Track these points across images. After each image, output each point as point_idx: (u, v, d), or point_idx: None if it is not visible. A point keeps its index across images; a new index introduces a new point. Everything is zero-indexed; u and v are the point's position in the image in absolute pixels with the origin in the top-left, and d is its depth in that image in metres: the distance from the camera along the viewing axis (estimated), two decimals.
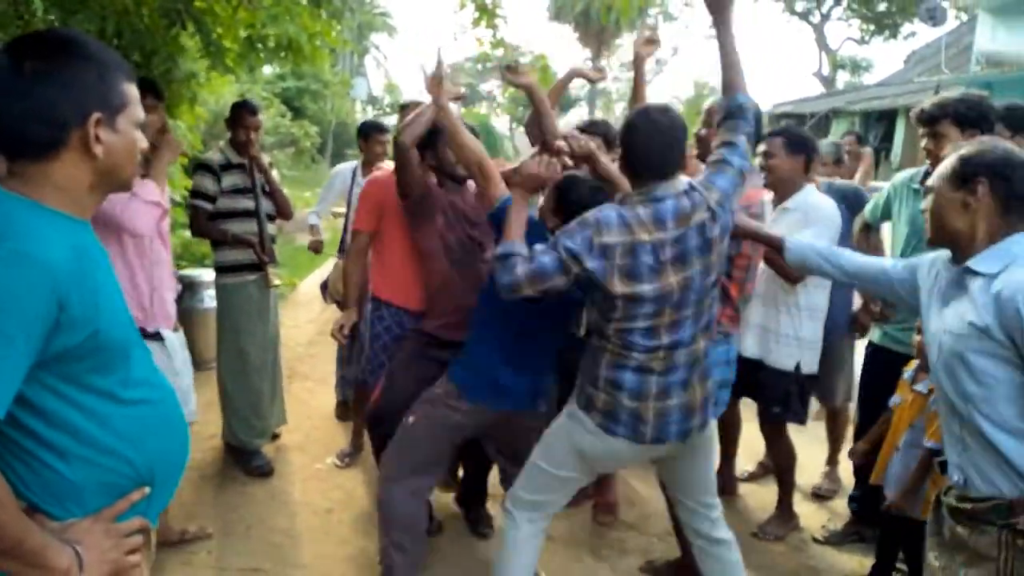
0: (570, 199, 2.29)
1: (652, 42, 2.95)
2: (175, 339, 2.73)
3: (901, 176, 3.00)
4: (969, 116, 2.57)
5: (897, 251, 2.91)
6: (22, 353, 1.05)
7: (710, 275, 2.05)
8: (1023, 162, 1.64)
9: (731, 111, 2.16)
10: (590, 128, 3.04)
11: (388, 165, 4.27)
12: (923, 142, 2.68)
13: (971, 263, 1.65)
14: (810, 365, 3.05)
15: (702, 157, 2.50)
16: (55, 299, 1.08)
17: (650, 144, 2.00)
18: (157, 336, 2.64)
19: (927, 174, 2.80)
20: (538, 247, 2.03)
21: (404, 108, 3.90)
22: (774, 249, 2.25)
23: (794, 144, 2.99)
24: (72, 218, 1.19)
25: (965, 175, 1.67)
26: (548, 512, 2.32)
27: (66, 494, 1.18)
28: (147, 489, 1.26)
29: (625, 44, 32.95)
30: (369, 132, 4.29)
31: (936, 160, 2.68)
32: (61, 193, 1.18)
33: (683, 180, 2.06)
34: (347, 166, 4.51)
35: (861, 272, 2.07)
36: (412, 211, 2.83)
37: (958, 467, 1.67)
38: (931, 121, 2.63)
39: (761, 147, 2.99)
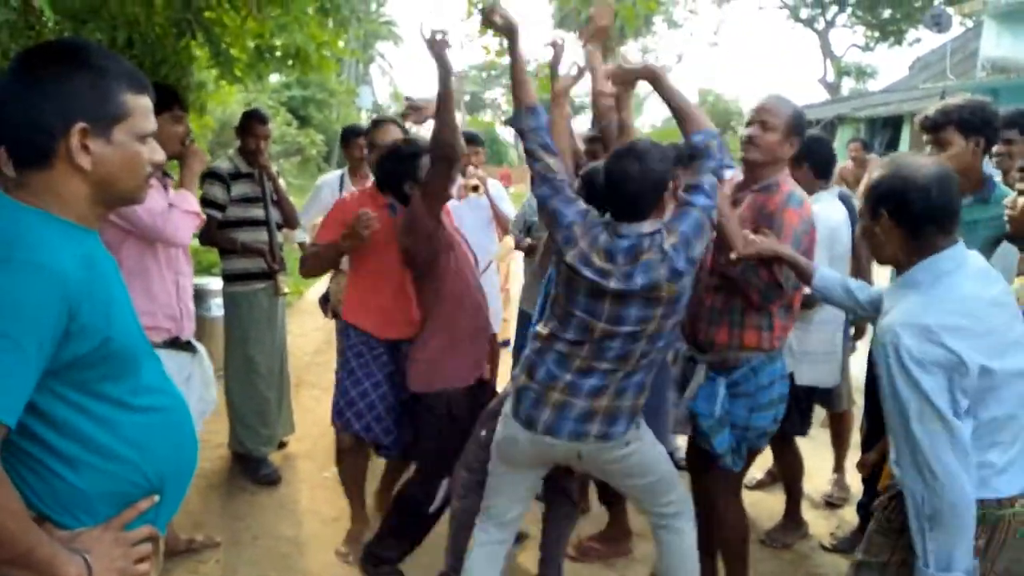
0: (596, 190, 2.33)
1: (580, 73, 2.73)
2: (203, 350, 2.74)
3: None
4: (972, 122, 2.55)
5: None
6: (33, 362, 1.06)
7: (654, 308, 2.07)
8: (922, 184, 1.62)
9: (691, 153, 2.23)
10: (595, 140, 3.03)
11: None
12: (927, 149, 2.68)
13: (884, 294, 1.73)
14: (829, 379, 3.02)
15: (756, 161, 2.45)
16: (65, 308, 1.08)
17: (624, 189, 2.10)
18: (190, 346, 2.64)
19: None
20: (556, 178, 2.19)
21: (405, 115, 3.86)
22: (803, 279, 2.26)
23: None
24: (80, 227, 1.19)
25: (871, 206, 1.70)
26: (501, 520, 2.35)
27: (75, 503, 1.18)
28: (156, 497, 1.26)
29: (630, 52, 33.10)
30: (347, 136, 4.17)
31: None
32: (63, 203, 1.17)
33: (652, 223, 2.11)
34: (333, 175, 4.35)
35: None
36: (425, 268, 2.64)
37: None
38: (935, 128, 2.61)
39: None
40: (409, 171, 2.66)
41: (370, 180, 3.62)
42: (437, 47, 2.44)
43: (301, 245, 4.57)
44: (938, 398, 1.52)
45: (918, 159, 1.74)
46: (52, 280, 1.07)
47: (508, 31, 2.42)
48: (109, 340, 1.16)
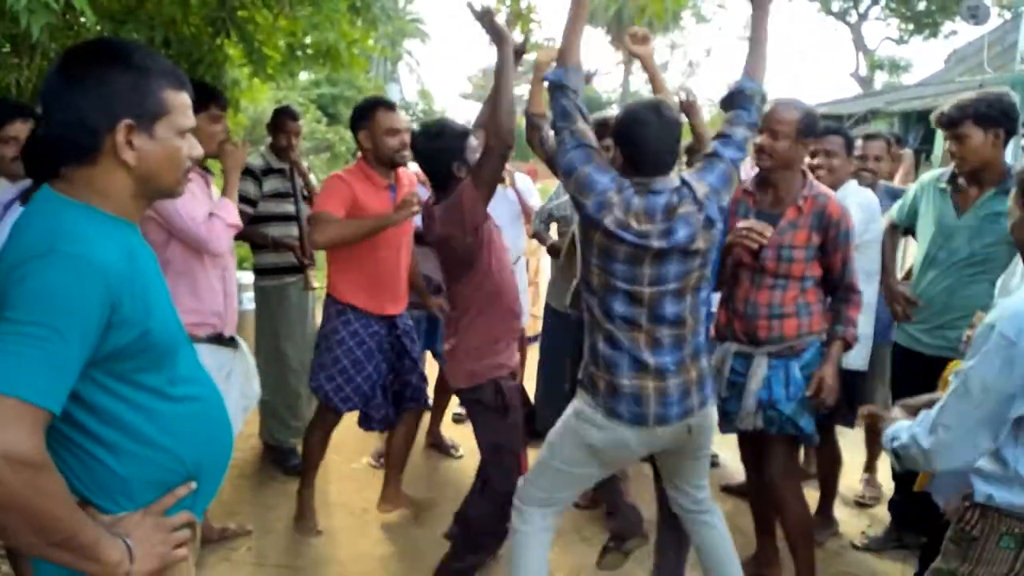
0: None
1: (644, 39, 2.78)
2: (244, 344, 2.78)
3: (928, 176, 2.97)
4: (991, 115, 2.57)
5: (922, 250, 2.88)
6: (77, 352, 1.09)
7: (692, 261, 2.08)
8: None
9: (734, 96, 2.21)
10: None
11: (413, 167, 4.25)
12: (946, 144, 2.69)
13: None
14: (857, 361, 3.02)
15: (768, 167, 2.56)
16: (108, 300, 1.12)
17: (648, 142, 2.07)
18: (232, 341, 2.68)
19: (954, 175, 2.78)
20: (583, 140, 2.11)
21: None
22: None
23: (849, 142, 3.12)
24: (122, 220, 1.23)
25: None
26: (559, 508, 2.33)
27: (116, 488, 1.21)
28: (193, 484, 1.30)
29: (658, 47, 32.77)
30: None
31: (963, 162, 2.67)
32: (105, 197, 1.21)
33: (676, 177, 2.13)
34: None
35: None
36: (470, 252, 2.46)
37: None
38: (952, 124, 2.63)
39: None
40: (460, 151, 2.44)
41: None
42: (488, 19, 2.38)
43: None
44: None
45: None
46: (95, 273, 1.11)
47: (495, 38, 2.38)
48: (148, 332, 1.19)
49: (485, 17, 2.40)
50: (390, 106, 2.91)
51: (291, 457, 3.69)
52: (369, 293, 2.95)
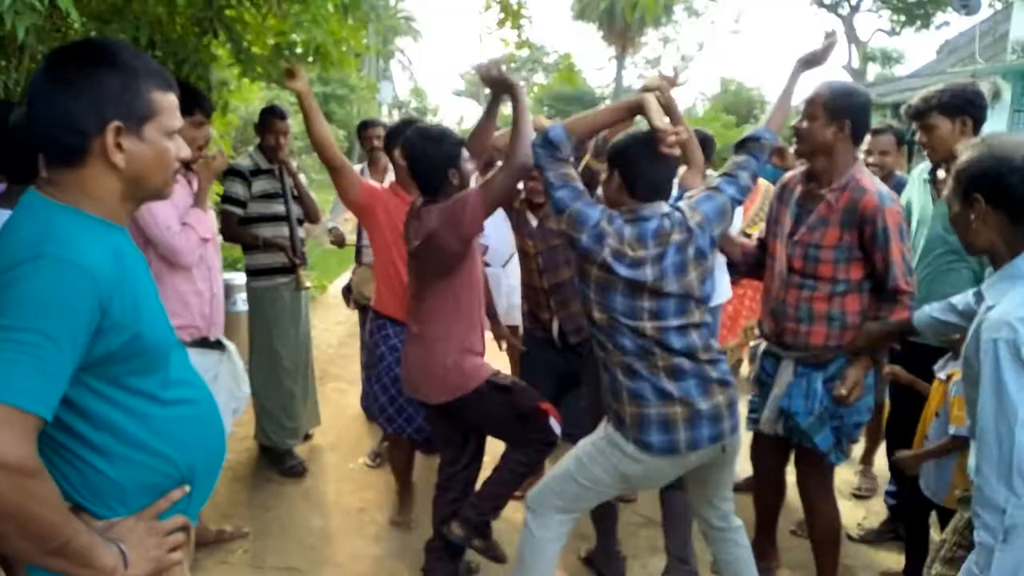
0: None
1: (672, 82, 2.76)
2: (232, 347, 2.78)
3: (917, 169, 3.02)
4: (955, 104, 2.62)
5: (911, 241, 2.89)
6: (67, 357, 1.08)
7: (690, 302, 2.07)
8: (1020, 164, 1.50)
9: (749, 142, 2.27)
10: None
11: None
12: (917, 136, 2.75)
13: (983, 287, 1.60)
14: None
15: (800, 153, 2.46)
16: (98, 304, 1.11)
17: (652, 169, 2.08)
18: (218, 344, 2.67)
19: (936, 166, 2.81)
20: (570, 181, 2.10)
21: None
22: (907, 332, 2.29)
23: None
24: (110, 223, 1.22)
25: (963, 191, 1.57)
26: (576, 516, 2.32)
27: (110, 493, 1.20)
28: (187, 487, 1.29)
29: (650, 42, 32.79)
30: (361, 128, 4.36)
31: (932, 151, 2.72)
32: (94, 200, 1.20)
33: (665, 203, 2.13)
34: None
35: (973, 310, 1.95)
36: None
37: None
38: (919, 115, 2.68)
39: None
40: (456, 158, 2.41)
41: (390, 172, 3.67)
42: (496, 78, 2.34)
43: (330, 231, 4.67)
44: None
45: (1013, 138, 1.62)
46: (84, 276, 1.10)
47: (506, 89, 2.34)
48: (139, 335, 1.18)
49: (492, 71, 2.35)
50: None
51: (287, 459, 3.68)
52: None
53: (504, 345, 3.33)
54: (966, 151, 1.60)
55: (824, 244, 2.35)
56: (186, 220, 2.53)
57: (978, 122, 2.64)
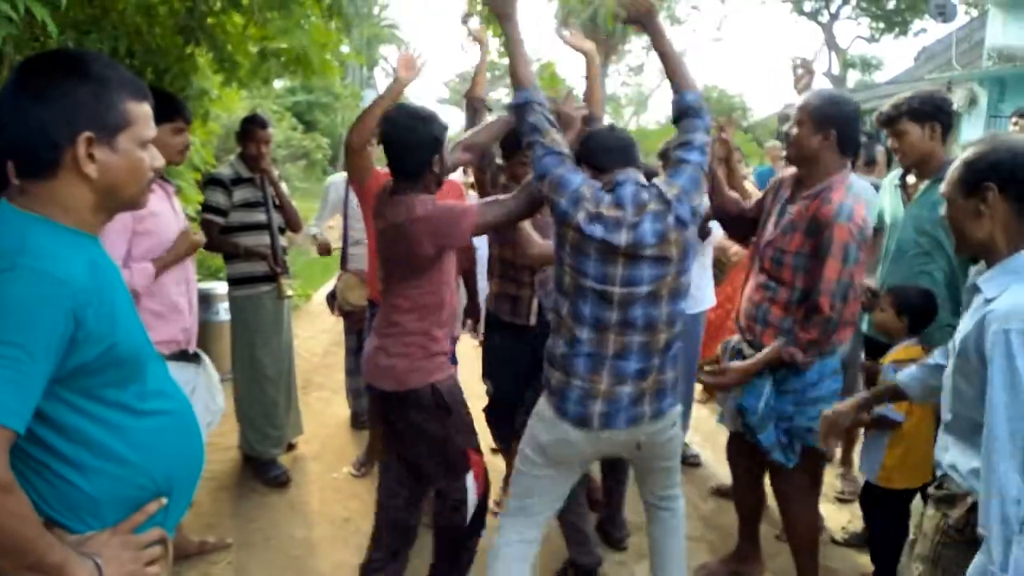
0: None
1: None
2: (207, 359, 2.75)
3: (890, 175, 3.07)
4: (924, 110, 2.68)
5: (883, 244, 2.95)
6: (41, 368, 1.07)
7: (666, 266, 2.07)
8: None
9: (683, 110, 2.23)
10: None
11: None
12: (889, 142, 2.79)
13: (979, 280, 1.60)
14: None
15: (788, 158, 2.51)
16: (71, 315, 1.10)
17: (608, 140, 2.18)
18: (196, 357, 2.65)
19: (906, 171, 2.87)
20: (556, 149, 2.12)
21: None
22: (898, 397, 2.19)
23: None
24: (83, 234, 1.21)
25: (973, 181, 1.57)
26: (538, 520, 2.31)
27: (84, 507, 1.19)
28: (164, 500, 1.28)
29: (634, 50, 32.97)
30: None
31: (903, 156, 2.76)
32: (67, 211, 1.19)
33: (636, 171, 2.15)
34: (339, 177, 4.40)
35: None
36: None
37: None
38: (890, 122, 2.74)
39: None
40: (441, 144, 2.24)
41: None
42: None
43: (314, 237, 4.65)
44: None
45: (1018, 136, 1.65)
46: (58, 287, 1.09)
47: (503, 9, 2.25)
48: (114, 346, 1.18)
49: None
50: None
51: (271, 468, 3.65)
52: None
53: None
54: (975, 145, 1.62)
55: (788, 249, 2.39)
56: (131, 266, 2.42)
57: (946, 127, 2.71)
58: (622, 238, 2.02)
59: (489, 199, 2.31)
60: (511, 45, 2.24)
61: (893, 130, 2.73)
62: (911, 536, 1.84)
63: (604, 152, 2.16)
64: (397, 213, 2.20)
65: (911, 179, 2.84)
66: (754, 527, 2.91)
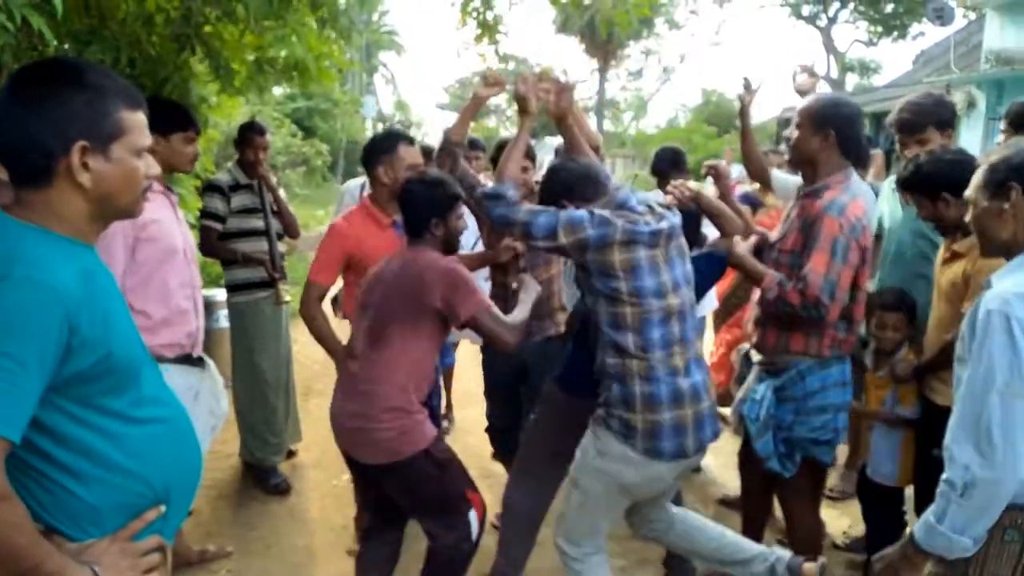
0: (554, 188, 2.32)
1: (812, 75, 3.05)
2: (211, 363, 2.76)
3: (888, 179, 3.08)
4: (946, 118, 2.74)
5: (884, 247, 2.94)
6: (36, 377, 1.07)
7: (686, 260, 2.20)
8: None
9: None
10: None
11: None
12: (906, 149, 2.76)
13: (994, 276, 1.64)
14: None
15: (791, 162, 2.56)
16: (66, 324, 1.10)
17: (582, 171, 2.25)
18: (200, 361, 2.65)
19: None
20: (536, 207, 2.17)
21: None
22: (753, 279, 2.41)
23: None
24: (78, 243, 1.21)
25: (997, 182, 1.63)
26: (603, 536, 2.33)
27: (83, 515, 1.19)
28: (163, 507, 1.28)
29: (632, 55, 33.05)
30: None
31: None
32: (61, 220, 1.19)
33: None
34: (355, 183, 4.52)
35: None
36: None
37: None
38: (915, 129, 2.74)
39: None
40: (447, 210, 2.32)
41: None
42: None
43: None
44: None
45: None
46: (52, 296, 1.09)
47: (523, 108, 2.46)
48: (110, 354, 1.18)
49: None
50: (410, 140, 2.84)
51: (272, 476, 3.65)
52: None
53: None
54: (996, 151, 1.71)
55: (786, 248, 2.40)
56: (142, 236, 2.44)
57: (952, 131, 2.76)
58: (663, 224, 2.10)
59: (501, 318, 2.25)
60: (516, 140, 2.41)
61: (916, 138, 2.71)
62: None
63: (587, 182, 2.21)
64: (414, 260, 2.28)
65: None
66: (758, 536, 2.90)
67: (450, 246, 2.38)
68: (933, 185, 2.35)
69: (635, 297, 2.06)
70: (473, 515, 2.33)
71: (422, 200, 2.32)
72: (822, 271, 2.20)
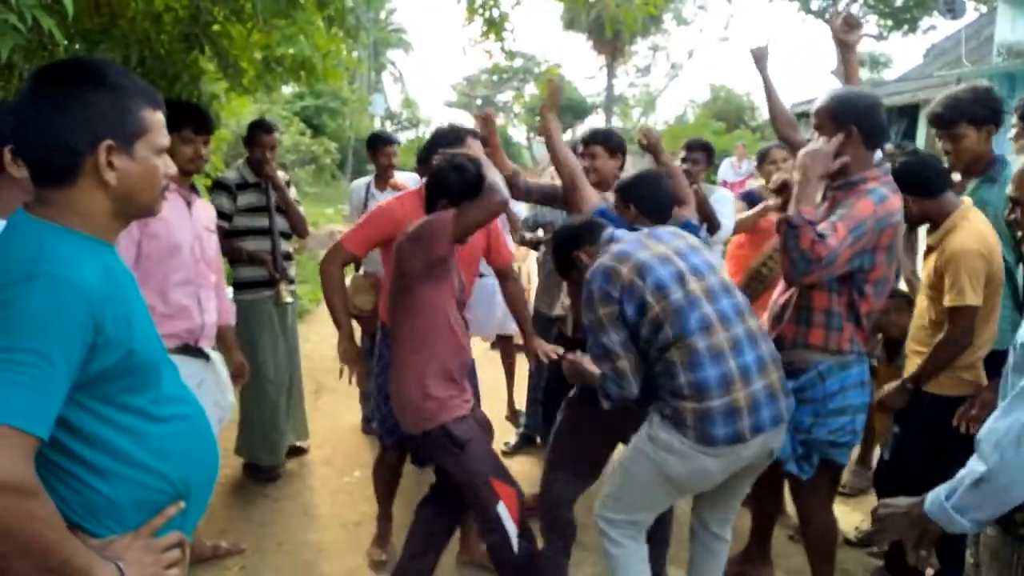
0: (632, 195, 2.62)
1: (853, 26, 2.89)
2: (217, 357, 2.78)
3: None
4: (983, 115, 2.65)
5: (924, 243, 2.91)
6: (63, 375, 1.08)
7: (705, 252, 2.31)
8: None
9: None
10: (592, 138, 3.25)
11: (401, 178, 4.27)
12: (939, 144, 2.75)
13: None
14: None
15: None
16: (91, 322, 1.11)
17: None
18: (201, 353, 2.67)
19: (951, 171, 2.79)
20: (595, 354, 2.20)
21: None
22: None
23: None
24: (99, 241, 1.22)
25: None
26: (646, 526, 2.32)
27: (106, 512, 1.20)
28: (183, 504, 1.29)
29: (640, 51, 32.96)
30: (376, 144, 4.31)
31: (956, 159, 2.73)
32: (85, 218, 1.20)
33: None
34: (361, 182, 4.51)
35: None
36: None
37: None
38: (949, 124, 2.69)
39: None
40: (463, 198, 2.39)
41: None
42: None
43: (331, 236, 4.70)
44: None
45: None
46: (78, 295, 1.10)
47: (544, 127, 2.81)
48: (132, 352, 1.19)
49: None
50: (476, 135, 2.91)
51: (269, 470, 3.68)
52: None
53: (542, 354, 2.95)
54: None
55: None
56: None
57: (998, 127, 2.69)
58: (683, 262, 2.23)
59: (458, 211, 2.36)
60: (565, 167, 2.86)
61: (949, 133, 2.69)
62: None
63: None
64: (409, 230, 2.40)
65: (956, 177, 2.77)
66: (768, 531, 2.90)
67: (466, 228, 2.40)
68: None
69: (661, 303, 2.09)
70: (503, 508, 2.34)
71: (447, 185, 2.43)
72: (840, 237, 2.15)
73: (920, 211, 2.52)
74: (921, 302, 2.60)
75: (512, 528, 2.36)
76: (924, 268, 2.55)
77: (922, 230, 2.89)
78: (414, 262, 2.33)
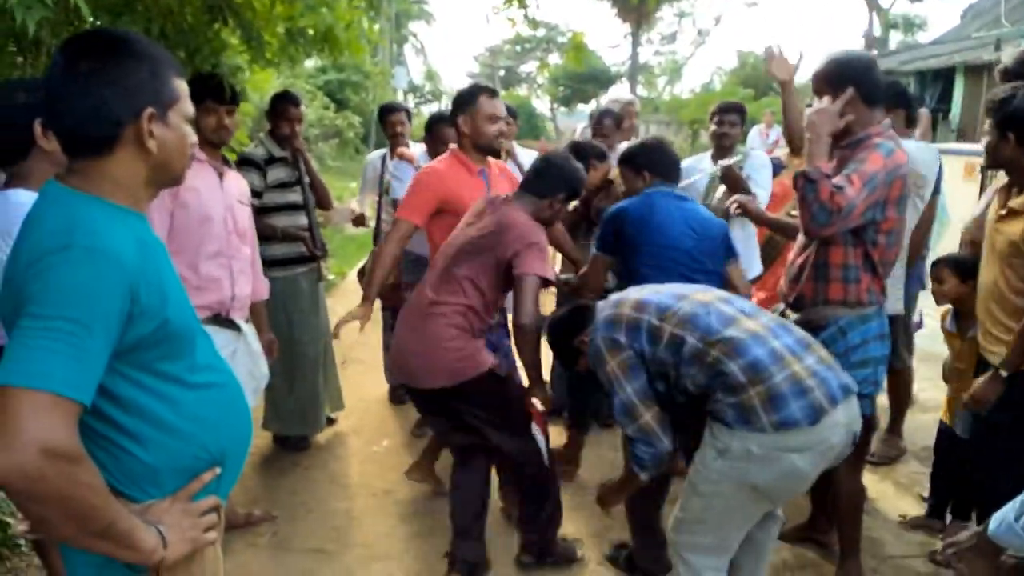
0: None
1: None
2: (250, 328, 2.82)
3: None
4: None
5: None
6: (102, 344, 1.10)
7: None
8: None
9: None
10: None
11: (409, 149, 4.23)
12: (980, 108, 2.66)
13: None
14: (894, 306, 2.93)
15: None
16: (128, 291, 1.13)
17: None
18: (233, 324, 2.70)
19: None
20: (618, 420, 2.18)
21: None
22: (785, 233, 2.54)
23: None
24: (131, 211, 1.23)
25: None
26: (732, 552, 2.15)
27: (143, 477, 1.23)
28: (218, 469, 1.32)
29: (665, 17, 32.32)
30: (383, 114, 4.32)
31: None
32: (119, 188, 1.21)
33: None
34: (376, 155, 4.50)
35: None
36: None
37: None
38: (1015, 80, 2.56)
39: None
40: (556, 189, 2.60)
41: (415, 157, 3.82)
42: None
43: (352, 211, 4.68)
44: None
45: None
46: (114, 264, 1.12)
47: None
48: (167, 321, 1.20)
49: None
50: (493, 93, 2.96)
51: (299, 440, 3.75)
52: None
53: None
54: None
55: None
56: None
57: None
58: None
59: (537, 300, 2.44)
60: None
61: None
62: None
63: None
64: (506, 214, 2.53)
65: None
66: (824, 499, 2.86)
67: (545, 221, 2.61)
68: None
69: (663, 313, 2.11)
70: (535, 428, 2.55)
71: (550, 177, 2.61)
72: (856, 188, 2.18)
73: (1016, 157, 2.28)
74: (992, 270, 2.37)
75: (542, 442, 2.57)
76: (1001, 232, 2.31)
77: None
78: (507, 252, 2.44)
